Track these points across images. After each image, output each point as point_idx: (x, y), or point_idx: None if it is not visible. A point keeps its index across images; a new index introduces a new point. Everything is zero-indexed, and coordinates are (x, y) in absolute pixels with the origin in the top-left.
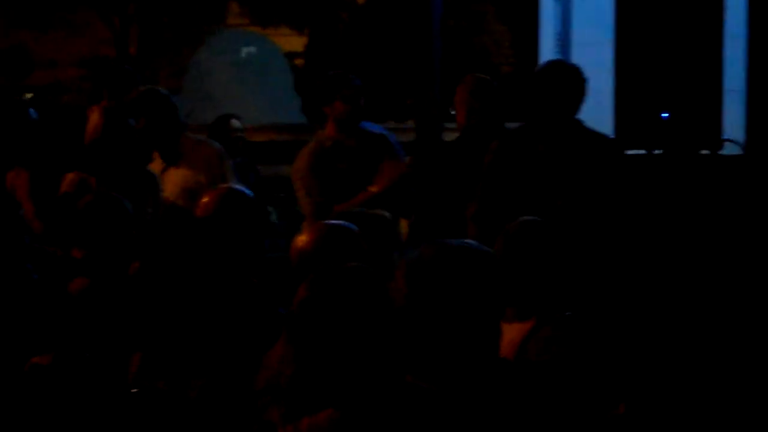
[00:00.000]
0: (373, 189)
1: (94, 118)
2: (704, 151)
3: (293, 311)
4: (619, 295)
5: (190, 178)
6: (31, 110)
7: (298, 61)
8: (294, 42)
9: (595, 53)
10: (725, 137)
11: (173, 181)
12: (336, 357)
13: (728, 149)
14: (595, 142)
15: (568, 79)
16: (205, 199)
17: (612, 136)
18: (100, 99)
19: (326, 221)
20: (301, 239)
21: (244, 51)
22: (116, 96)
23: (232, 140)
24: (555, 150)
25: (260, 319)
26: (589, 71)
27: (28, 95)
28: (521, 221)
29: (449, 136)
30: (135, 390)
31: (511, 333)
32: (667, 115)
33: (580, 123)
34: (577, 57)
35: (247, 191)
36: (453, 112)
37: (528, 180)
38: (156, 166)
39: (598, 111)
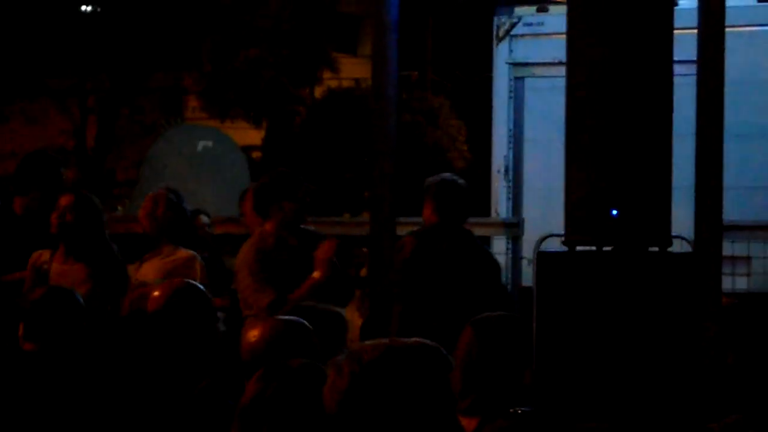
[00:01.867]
0: (316, 275)
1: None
2: (653, 248)
3: (243, 406)
4: (567, 393)
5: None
6: None
7: (256, 155)
8: (251, 136)
9: (546, 150)
10: (674, 234)
11: (146, 276)
12: None
13: (677, 246)
14: (480, 252)
15: (458, 194)
16: (155, 293)
17: (562, 231)
18: (27, 190)
19: (278, 317)
20: (253, 334)
21: (201, 144)
22: (42, 186)
23: (199, 236)
24: (453, 252)
25: (210, 414)
26: (540, 167)
27: None
28: (489, 316)
29: (402, 230)
30: None
31: None
32: (616, 212)
33: (469, 232)
34: (529, 153)
35: (198, 285)
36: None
37: (438, 278)
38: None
39: (548, 206)
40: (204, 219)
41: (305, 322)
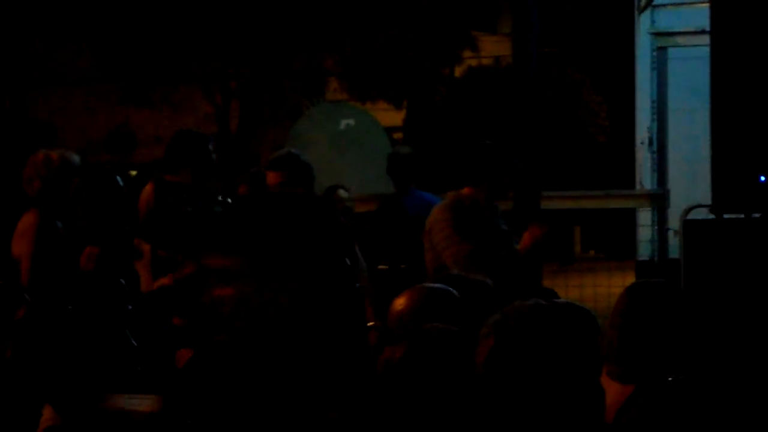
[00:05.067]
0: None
1: (147, 191)
2: None
3: (380, 372)
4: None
5: None
6: (118, 178)
7: (397, 135)
8: (392, 117)
9: (691, 119)
10: None
11: None
12: (422, 421)
13: None
14: None
15: None
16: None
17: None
18: (178, 168)
19: (426, 284)
20: (399, 302)
21: (344, 123)
22: (193, 163)
23: (339, 210)
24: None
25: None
26: (686, 137)
27: (133, 172)
28: (645, 282)
29: (546, 204)
30: None
31: (609, 393)
32: (764, 178)
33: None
34: (674, 123)
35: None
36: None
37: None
38: None
39: (695, 176)
40: (342, 193)
41: (452, 289)
